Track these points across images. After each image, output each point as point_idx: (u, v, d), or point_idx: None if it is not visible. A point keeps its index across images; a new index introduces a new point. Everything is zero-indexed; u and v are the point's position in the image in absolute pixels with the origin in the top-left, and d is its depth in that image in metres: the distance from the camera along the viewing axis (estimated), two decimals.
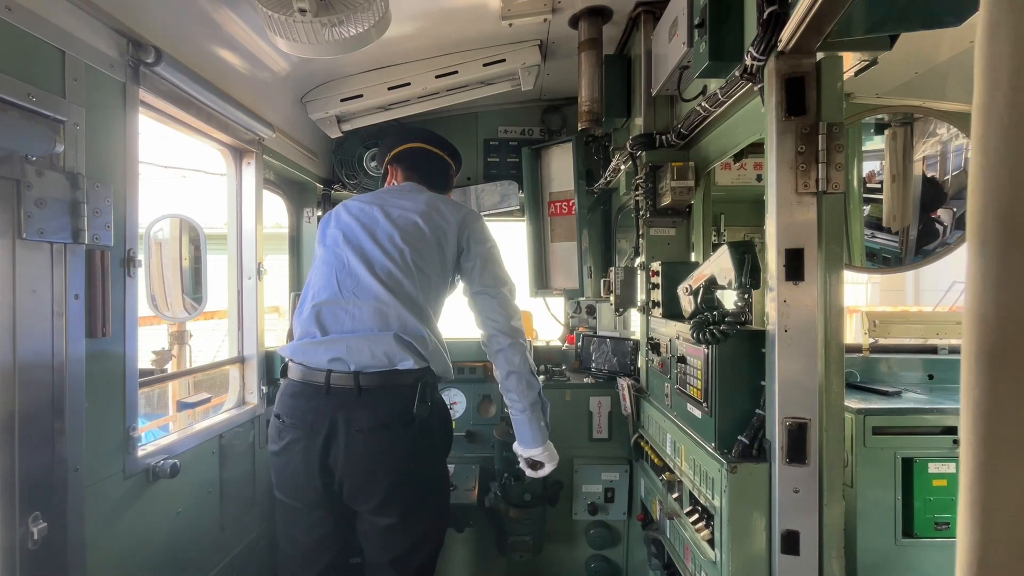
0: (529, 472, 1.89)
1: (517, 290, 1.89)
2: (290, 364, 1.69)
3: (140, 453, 1.48)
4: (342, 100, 2.40)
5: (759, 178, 2.70)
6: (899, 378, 2.72)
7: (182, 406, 4.77)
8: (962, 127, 2.11)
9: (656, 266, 1.96)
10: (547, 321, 3.13)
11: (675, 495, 1.68)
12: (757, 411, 1.30)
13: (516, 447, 1.87)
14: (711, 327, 1.33)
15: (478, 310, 1.82)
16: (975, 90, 0.36)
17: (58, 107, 1.18)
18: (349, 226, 1.77)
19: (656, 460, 1.90)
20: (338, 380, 1.60)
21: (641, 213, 2.11)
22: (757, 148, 1.41)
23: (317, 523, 1.68)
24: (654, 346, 1.97)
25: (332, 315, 1.67)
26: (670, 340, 1.78)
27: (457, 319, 2.21)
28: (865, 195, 2.34)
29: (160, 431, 4.66)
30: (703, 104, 1.57)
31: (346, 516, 1.71)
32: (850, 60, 1.51)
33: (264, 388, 2.21)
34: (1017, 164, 0.34)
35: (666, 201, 1.91)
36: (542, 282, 2.92)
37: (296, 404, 1.63)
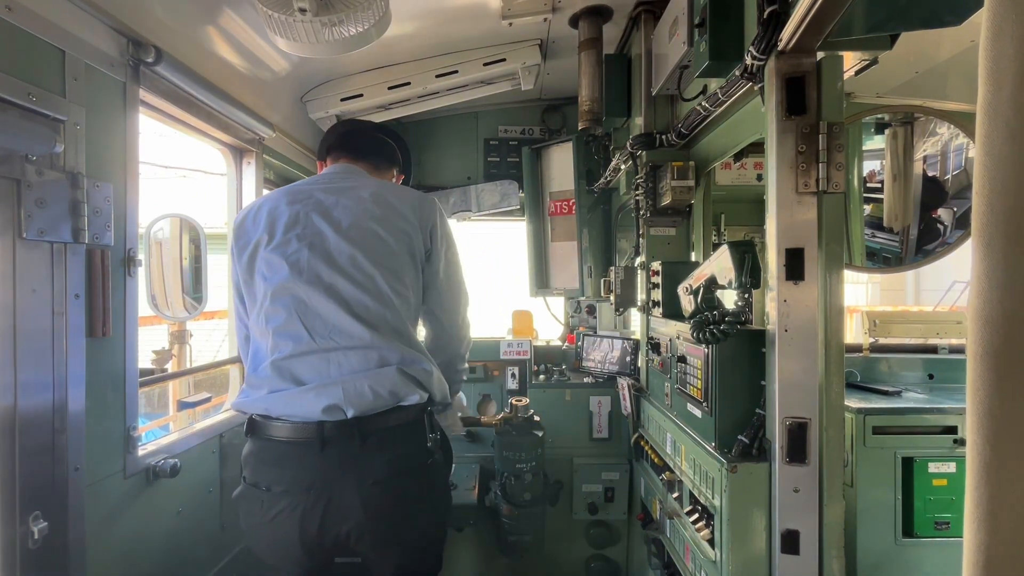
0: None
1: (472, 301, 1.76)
2: (260, 421, 1.39)
3: (140, 452, 1.48)
4: (342, 100, 2.39)
5: (759, 178, 2.70)
6: (899, 378, 2.72)
7: (182, 405, 4.77)
8: (963, 127, 2.11)
9: (656, 266, 1.96)
10: (547, 320, 3.13)
11: (675, 494, 1.68)
12: (757, 411, 1.30)
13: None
14: (711, 327, 1.33)
15: (431, 323, 1.67)
16: (979, 91, 0.36)
17: (58, 107, 1.18)
18: (287, 247, 1.42)
19: (656, 460, 1.90)
20: (334, 431, 1.33)
21: (641, 213, 2.10)
22: (757, 147, 1.41)
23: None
24: (654, 346, 1.97)
25: (311, 367, 1.38)
26: (670, 340, 1.78)
27: None
28: (865, 195, 2.34)
29: (160, 431, 4.66)
30: (703, 104, 1.57)
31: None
32: (850, 59, 1.51)
33: None
34: (1022, 165, 0.34)
35: (666, 201, 1.91)
36: (542, 282, 2.92)
37: (284, 469, 1.35)
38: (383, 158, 1.72)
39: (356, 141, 1.68)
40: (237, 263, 1.50)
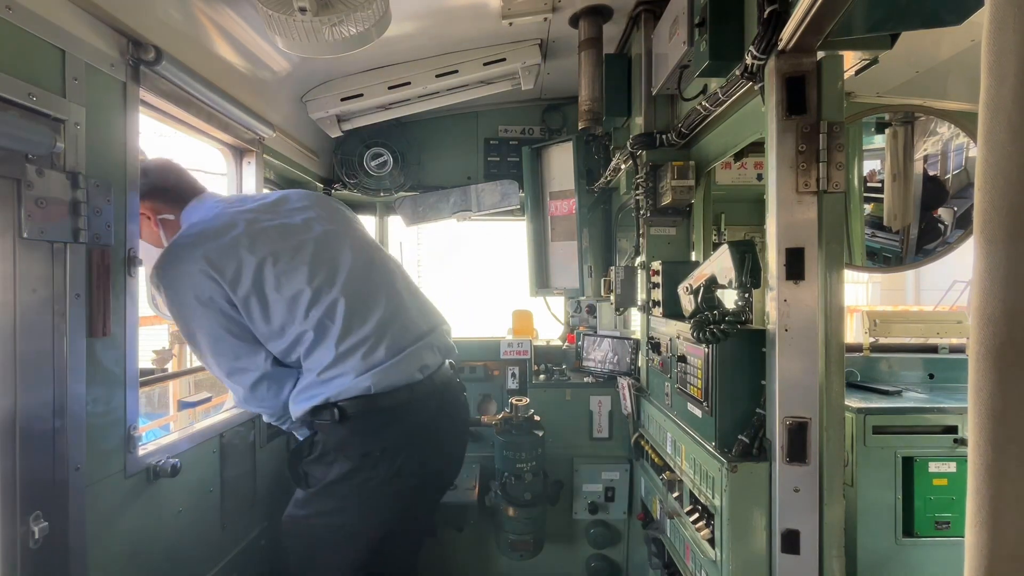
0: None
1: None
2: (358, 400, 1.51)
3: (141, 452, 1.48)
4: (342, 99, 2.39)
5: (759, 177, 2.70)
6: (899, 377, 2.72)
7: (183, 405, 4.77)
8: (963, 126, 2.11)
9: (656, 265, 1.96)
10: (547, 320, 3.13)
11: (675, 494, 1.68)
12: (757, 410, 1.30)
13: None
14: (711, 326, 1.33)
15: None
16: (982, 86, 0.36)
17: (58, 106, 1.18)
18: (301, 252, 1.55)
19: (656, 459, 1.90)
20: (427, 386, 1.61)
21: (641, 212, 2.10)
22: (758, 147, 1.41)
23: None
24: (654, 345, 1.97)
25: (396, 336, 1.58)
26: (670, 339, 1.78)
27: (460, 317, 2.22)
28: (866, 194, 2.35)
29: (161, 430, 4.66)
30: (703, 103, 1.57)
31: None
32: (851, 59, 1.51)
33: None
34: None
35: (666, 200, 1.91)
36: (542, 281, 2.92)
37: (396, 429, 1.55)
38: None
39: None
40: (231, 293, 1.48)
